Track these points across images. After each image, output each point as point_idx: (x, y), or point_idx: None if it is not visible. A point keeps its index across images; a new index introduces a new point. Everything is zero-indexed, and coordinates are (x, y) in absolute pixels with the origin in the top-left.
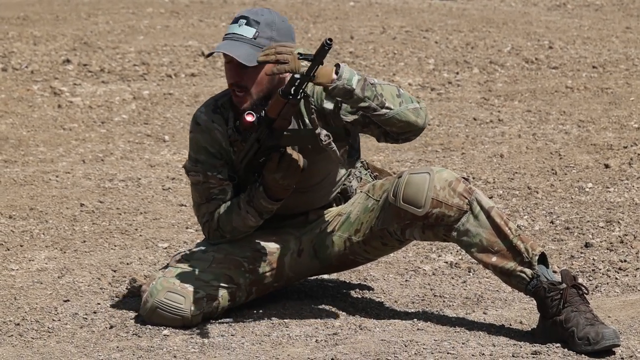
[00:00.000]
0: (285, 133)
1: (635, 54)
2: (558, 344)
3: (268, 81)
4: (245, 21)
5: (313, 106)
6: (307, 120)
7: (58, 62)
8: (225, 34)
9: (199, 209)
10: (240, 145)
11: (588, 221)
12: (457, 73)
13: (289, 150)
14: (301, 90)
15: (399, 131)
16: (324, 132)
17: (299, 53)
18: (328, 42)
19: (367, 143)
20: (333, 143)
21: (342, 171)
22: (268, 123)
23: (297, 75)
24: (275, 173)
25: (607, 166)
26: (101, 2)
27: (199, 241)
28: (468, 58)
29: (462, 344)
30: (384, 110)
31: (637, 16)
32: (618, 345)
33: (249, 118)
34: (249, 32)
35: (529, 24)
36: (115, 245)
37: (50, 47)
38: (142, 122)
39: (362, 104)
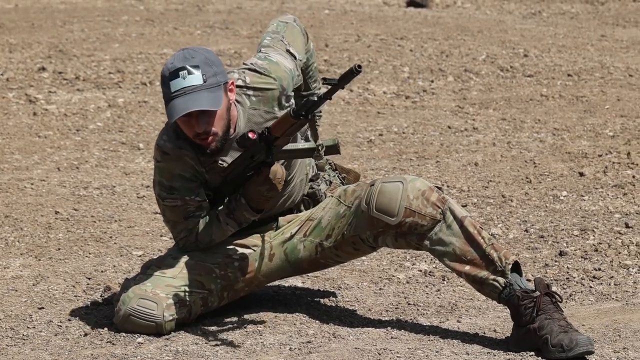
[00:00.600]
0: (284, 149)
1: (610, 62)
2: (532, 352)
3: (225, 113)
4: (186, 72)
5: (317, 124)
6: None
7: (33, 69)
8: (174, 92)
9: (174, 227)
10: (217, 166)
11: (562, 229)
12: (432, 81)
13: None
14: (312, 114)
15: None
16: (319, 142)
17: (323, 78)
18: (357, 68)
19: (342, 151)
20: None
21: (308, 173)
22: (269, 141)
23: (314, 98)
24: (262, 186)
25: (581, 174)
26: (77, 9)
27: (170, 248)
28: (443, 66)
29: (436, 352)
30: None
31: (612, 24)
32: (592, 353)
33: (252, 136)
34: (197, 79)
35: (504, 32)
36: (89, 253)
37: (26, 54)
38: (117, 130)
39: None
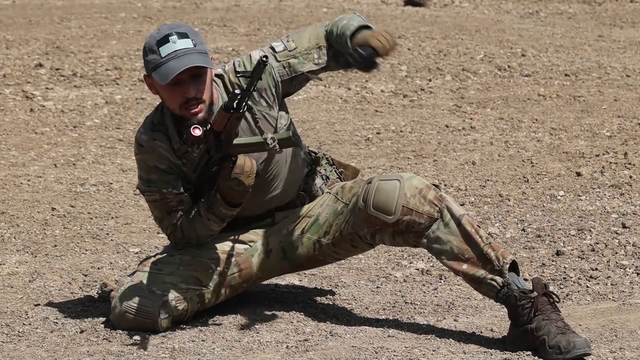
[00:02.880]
0: (234, 143)
1: (607, 62)
2: (529, 352)
3: (210, 85)
4: (175, 36)
5: (257, 116)
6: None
7: (30, 66)
8: (166, 55)
9: (161, 223)
10: (190, 156)
11: (559, 229)
12: (430, 80)
13: (240, 157)
14: (244, 104)
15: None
16: (270, 135)
17: (236, 71)
18: (264, 59)
19: (339, 150)
20: (278, 145)
21: (304, 169)
22: (215, 135)
23: (237, 91)
24: (229, 181)
25: (578, 174)
26: (74, 6)
27: (166, 245)
28: (440, 65)
29: (433, 351)
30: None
31: (610, 25)
32: (589, 355)
33: (197, 132)
34: (187, 43)
35: (501, 31)
36: (86, 250)
37: (23, 51)
38: (114, 127)
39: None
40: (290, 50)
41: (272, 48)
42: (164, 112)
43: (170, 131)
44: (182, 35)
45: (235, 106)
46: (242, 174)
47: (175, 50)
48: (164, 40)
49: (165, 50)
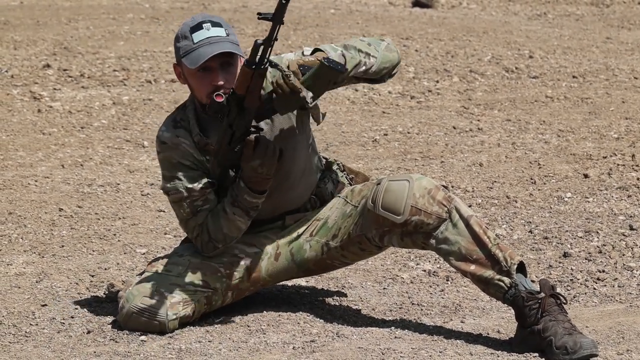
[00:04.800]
0: (274, 98)
1: (615, 64)
2: (536, 354)
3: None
4: (209, 24)
5: (287, 72)
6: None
7: (38, 66)
8: (198, 41)
9: (187, 225)
10: (210, 147)
11: (567, 231)
12: (437, 81)
13: (263, 137)
14: (267, 57)
15: (386, 73)
16: (309, 93)
17: (258, 13)
18: (284, 1)
19: (346, 151)
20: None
21: (317, 173)
22: (237, 101)
23: (259, 40)
24: (253, 161)
25: (586, 176)
26: (82, 7)
27: (176, 246)
28: (448, 67)
29: (440, 352)
30: (372, 61)
31: (618, 26)
32: (596, 355)
33: (219, 99)
34: (220, 31)
35: (509, 33)
36: (93, 250)
37: (31, 51)
38: (121, 128)
39: (355, 70)
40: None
41: (302, 53)
42: (186, 109)
43: (192, 123)
44: (216, 24)
45: (257, 60)
46: (266, 153)
47: (208, 37)
48: (198, 27)
49: (198, 36)
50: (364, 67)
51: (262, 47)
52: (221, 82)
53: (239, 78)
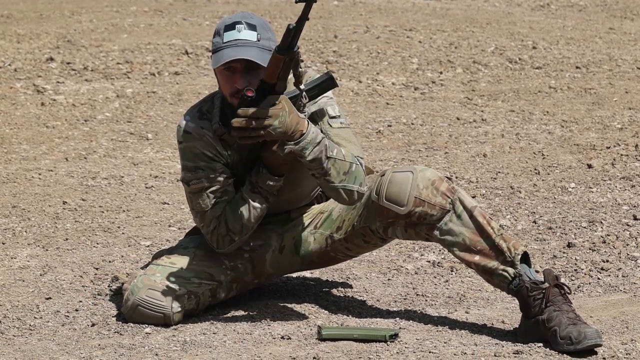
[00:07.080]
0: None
1: (618, 55)
2: (540, 344)
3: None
4: (243, 26)
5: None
6: None
7: (41, 60)
8: (226, 42)
9: (203, 218)
10: (227, 137)
11: (571, 221)
12: (441, 73)
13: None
14: (296, 41)
15: (327, 195)
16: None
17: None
18: None
19: None
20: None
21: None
22: (268, 91)
23: (292, 25)
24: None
25: (590, 166)
26: (85, 0)
27: (181, 239)
28: (452, 58)
29: (444, 343)
30: (325, 178)
31: (621, 17)
32: (600, 345)
33: (249, 93)
34: (252, 35)
35: (512, 24)
36: (97, 243)
37: (34, 45)
38: (125, 121)
39: (310, 164)
40: (331, 117)
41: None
42: (214, 98)
43: (215, 111)
44: (250, 27)
45: (289, 44)
46: (282, 111)
47: (236, 39)
48: (231, 26)
49: (228, 36)
50: (318, 172)
51: (294, 30)
52: (241, 86)
53: (270, 67)
